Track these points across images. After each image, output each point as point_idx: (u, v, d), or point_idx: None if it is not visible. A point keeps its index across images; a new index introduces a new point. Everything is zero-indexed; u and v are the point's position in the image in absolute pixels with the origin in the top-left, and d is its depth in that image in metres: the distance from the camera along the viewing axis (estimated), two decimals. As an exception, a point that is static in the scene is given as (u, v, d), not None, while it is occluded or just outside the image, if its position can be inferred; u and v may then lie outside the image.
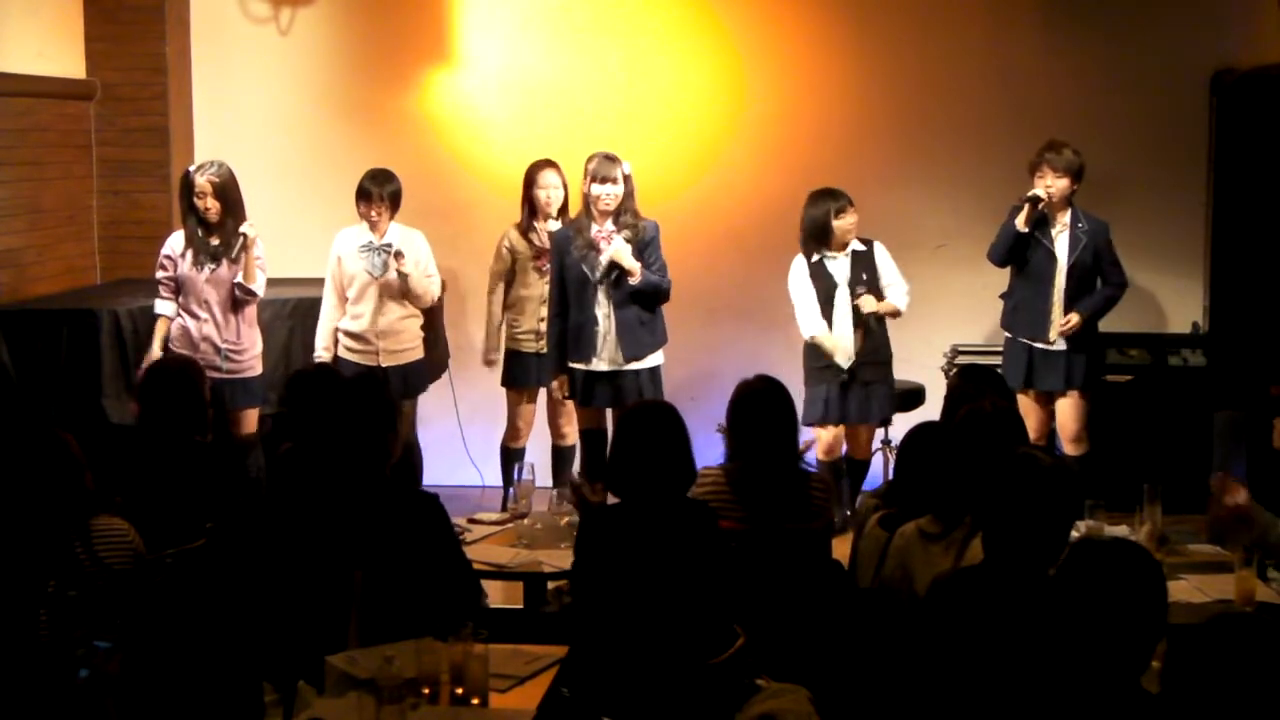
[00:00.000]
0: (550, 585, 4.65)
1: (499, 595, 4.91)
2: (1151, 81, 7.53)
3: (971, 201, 7.55)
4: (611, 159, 6.33)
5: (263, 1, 7.88)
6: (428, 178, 7.42)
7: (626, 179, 6.33)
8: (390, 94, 7.88)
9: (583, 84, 7.78)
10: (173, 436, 4.78)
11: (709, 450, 5.00)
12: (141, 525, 4.06)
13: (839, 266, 6.48)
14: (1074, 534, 3.64)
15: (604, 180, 6.29)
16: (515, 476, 5.38)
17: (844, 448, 6.70)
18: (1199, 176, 7.56)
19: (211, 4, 7.87)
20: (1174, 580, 3.91)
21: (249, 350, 6.48)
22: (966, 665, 3.26)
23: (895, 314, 6.56)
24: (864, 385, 6.50)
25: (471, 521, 5.20)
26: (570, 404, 6.70)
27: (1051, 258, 6.39)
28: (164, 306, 6.45)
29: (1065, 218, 6.41)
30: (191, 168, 6.57)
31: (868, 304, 6.46)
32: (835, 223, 6.44)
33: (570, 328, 6.39)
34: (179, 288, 6.44)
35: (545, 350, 6.72)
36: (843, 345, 6.45)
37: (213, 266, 6.40)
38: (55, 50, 7.42)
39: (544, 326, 6.71)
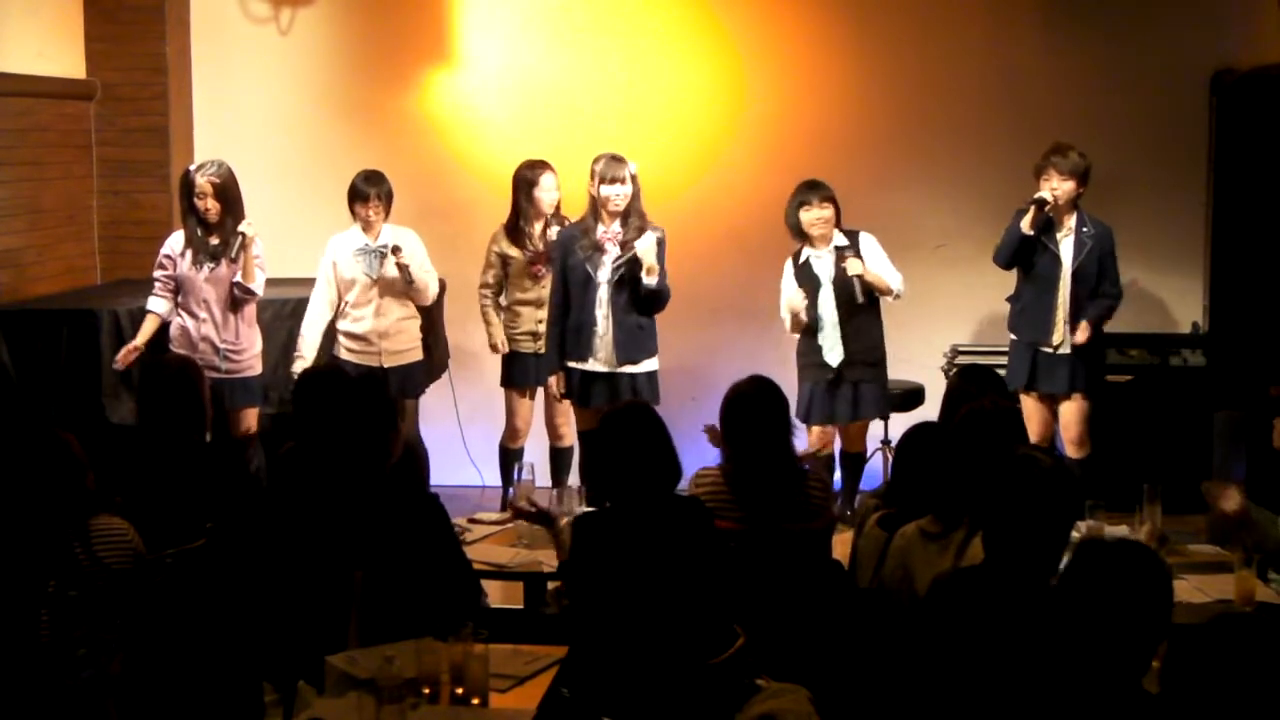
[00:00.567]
0: (550, 585, 4.64)
1: (499, 595, 4.90)
2: (1151, 81, 7.54)
3: (971, 202, 7.55)
4: (619, 160, 6.33)
5: (263, 1, 7.88)
6: (427, 178, 7.43)
7: (633, 179, 6.33)
8: (390, 94, 7.88)
9: (583, 84, 7.78)
10: (172, 436, 4.78)
11: (709, 451, 4.99)
12: (141, 525, 4.06)
13: (823, 265, 6.47)
14: (1074, 534, 3.63)
15: (613, 181, 6.29)
16: (515, 476, 5.37)
17: (835, 445, 6.68)
18: (1199, 176, 7.56)
19: (211, 4, 7.87)
20: (1174, 580, 3.90)
21: (248, 350, 6.49)
22: (967, 665, 3.26)
23: (887, 291, 6.46)
24: (853, 385, 6.49)
25: (471, 521, 5.20)
26: (567, 404, 6.71)
27: (1056, 261, 6.38)
28: (156, 304, 6.44)
29: (1071, 221, 6.40)
30: (191, 167, 6.57)
31: (854, 266, 6.39)
32: (802, 215, 6.44)
33: (570, 327, 6.39)
34: (178, 287, 6.44)
35: (543, 350, 6.72)
36: (829, 344, 6.44)
37: (212, 266, 6.40)
38: (55, 50, 7.42)
39: (541, 328, 6.72)
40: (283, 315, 6.95)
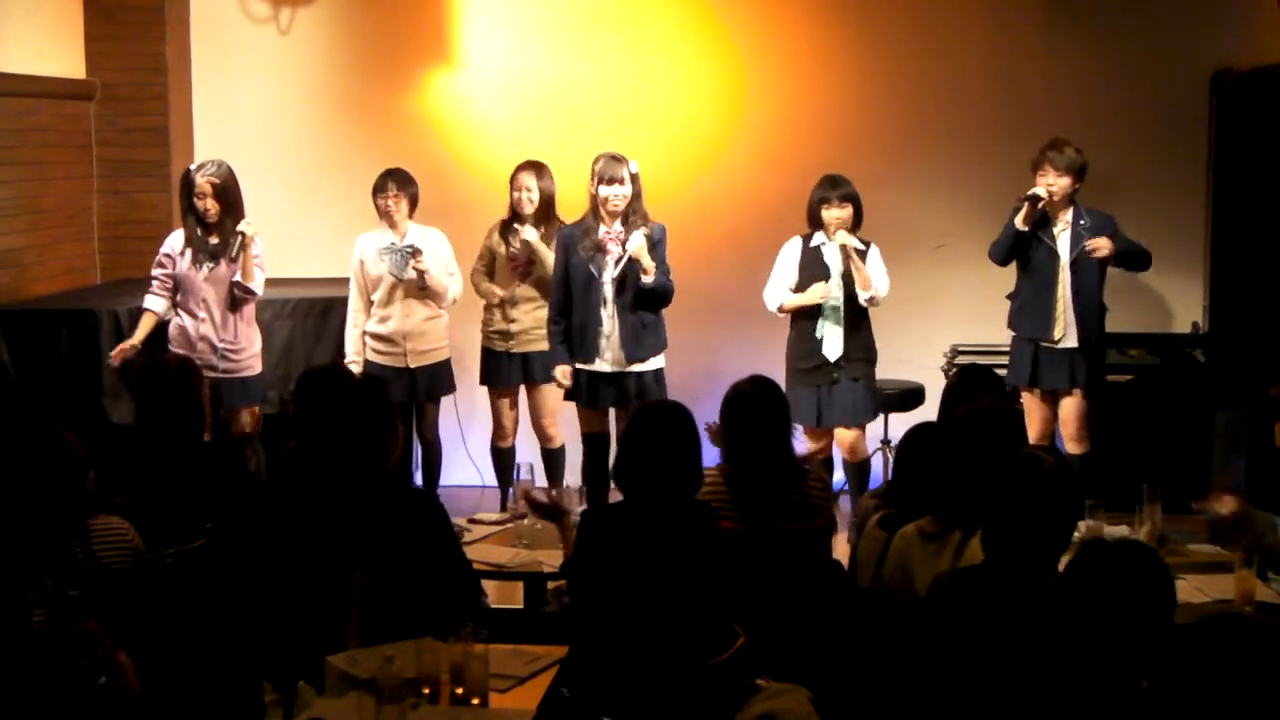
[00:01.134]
0: (550, 585, 4.64)
1: (499, 595, 4.90)
2: (1151, 81, 7.54)
3: (971, 201, 7.55)
4: (618, 159, 6.32)
5: (263, 1, 7.88)
6: (428, 178, 7.39)
7: (634, 179, 6.32)
8: (390, 94, 7.88)
9: (583, 84, 7.78)
10: (172, 436, 4.78)
11: (710, 451, 4.99)
12: (141, 525, 4.06)
13: (834, 254, 6.42)
14: (1074, 535, 3.63)
15: (611, 181, 6.28)
16: (515, 476, 5.38)
17: (832, 449, 6.65)
18: (1199, 176, 7.57)
19: (211, 4, 7.87)
20: (1174, 580, 3.91)
21: (247, 350, 6.49)
22: (967, 666, 3.26)
23: (865, 286, 6.33)
24: (851, 382, 6.42)
25: (471, 521, 5.20)
26: (554, 406, 6.72)
27: (1054, 256, 6.38)
28: (153, 302, 6.44)
29: (1067, 216, 6.41)
30: (191, 167, 6.57)
31: (844, 237, 6.33)
32: (823, 212, 6.42)
33: (574, 328, 6.38)
34: (177, 286, 6.44)
35: (515, 350, 6.79)
36: (830, 337, 6.41)
37: (211, 265, 6.40)
38: (55, 50, 7.42)
39: (512, 328, 6.75)
40: (283, 315, 6.95)
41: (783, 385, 4.66)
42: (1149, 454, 6.77)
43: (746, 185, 7.72)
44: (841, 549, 4.74)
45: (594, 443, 6.53)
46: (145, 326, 6.43)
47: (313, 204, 7.79)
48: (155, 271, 6.48)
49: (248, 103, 7.91)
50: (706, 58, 7.78)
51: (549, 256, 6.57)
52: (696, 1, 7.77)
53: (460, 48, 7.87)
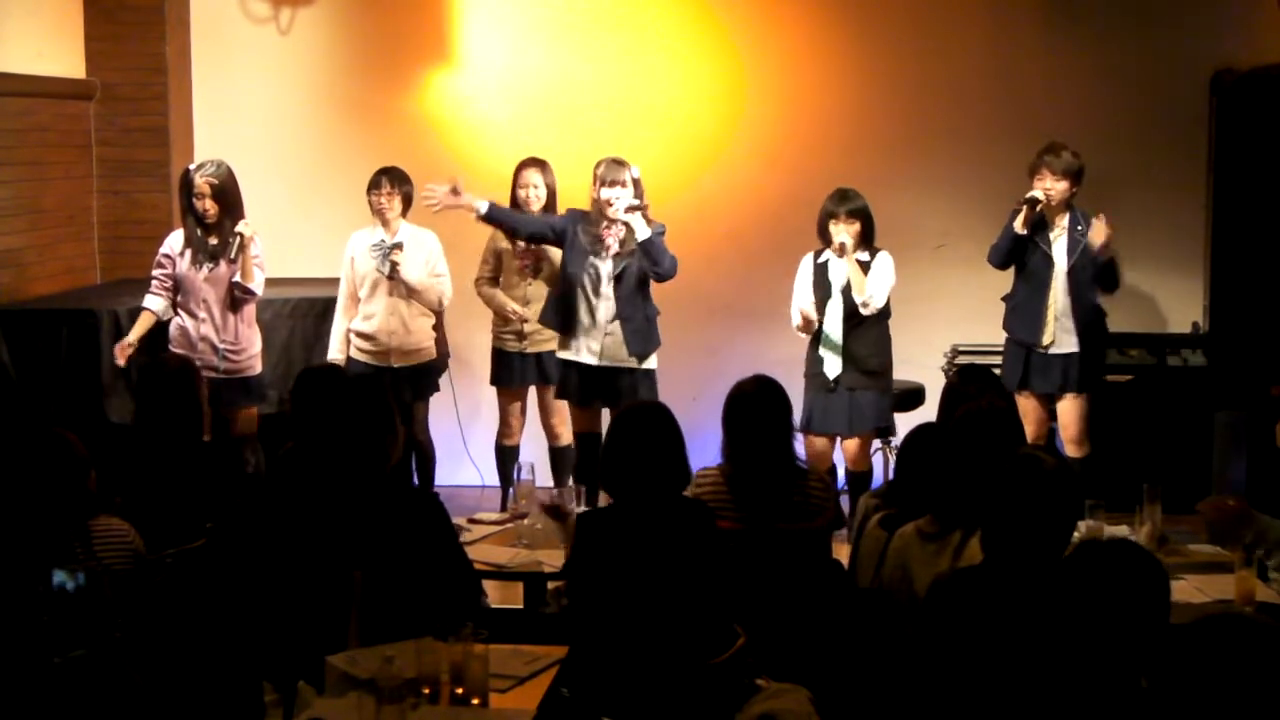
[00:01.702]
0: (550, 585, 4.64)
1: (499, 595, 4.90)
2: (1151, 81, 7.54)
3: (971, 202, 7.55)
4: (619, 163, 6.30)
5: (263, 1, 7.88)
6: (427, 178, 7.36)
7: (636, 183, 6.31)
8: (390, 94, 7.88)
9: (583, 84, 7.78)
10: (171, 436, 4.78)
11: (709, 451, 4.99)
12: (141, 525, 4.06)
13: (838, 273, 6.40)
14: (1074, 535, 3.63)
15: (612, 184, 6.26)
16: (515, 476, 5.38)
17: (835, 455, 6.62)
18: (1199, 176, 7.56)
19: (211, 4, 7.87)
20: (1174, 580, 3.90)
21: (247, 350, 6.48)
22: (967, 666, 3.26)
23: (859, 290, 6.24)
24: (850, 392, 6.35)
25: (471, 521, 5.20)
26: (563, 404, 6.71)
27: (1049, 262, 6.37)
28: (152, 302, 6.44)
29: (1064, 221, 6.39)
30: (191, 167, 6.57)
31: (841, 234, 6.27)
32: (830, 226, 6.38)
33: (571, 320, 6.34)
34: (177, 287, 6.44)
35: (528, 350, 6.80)
36: (829, 355, 6.38)
37: (211, 266, 6.40)
38: (55, 50, 7.42)
39: (526, 327, 6.76)
40: (283, 315, 6.95)
41: (784, 385, 4.63)
42: (1149, 454, 6.76)
43: (746, 185, 7.72)
44: (841, 549, 4.74)
45: (586, 444, 6.52)
46: (142, 325, 6.42)
47: (312, 204, 7.79)
48: (155, 272, 6.48)
49: (248, 103, 7.90)
50: (706, 58, 7.78)
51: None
52: (697, 1, 7.77)
53: (460, 48, 7.87)
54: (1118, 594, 2.81)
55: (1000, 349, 6.72)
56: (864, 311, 6.31)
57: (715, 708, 3.15)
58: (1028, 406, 6.44)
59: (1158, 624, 2.82)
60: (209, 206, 6.37)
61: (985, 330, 7.35)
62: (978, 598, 3.37)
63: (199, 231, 6.42)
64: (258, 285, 6.42)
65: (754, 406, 4.46)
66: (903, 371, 7.03)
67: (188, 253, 6.41)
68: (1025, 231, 6.31)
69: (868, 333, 6.37)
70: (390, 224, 6.70)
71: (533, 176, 6.73)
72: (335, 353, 6.74)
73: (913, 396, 7.15)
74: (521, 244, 6.77)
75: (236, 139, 7.68)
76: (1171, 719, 2.54)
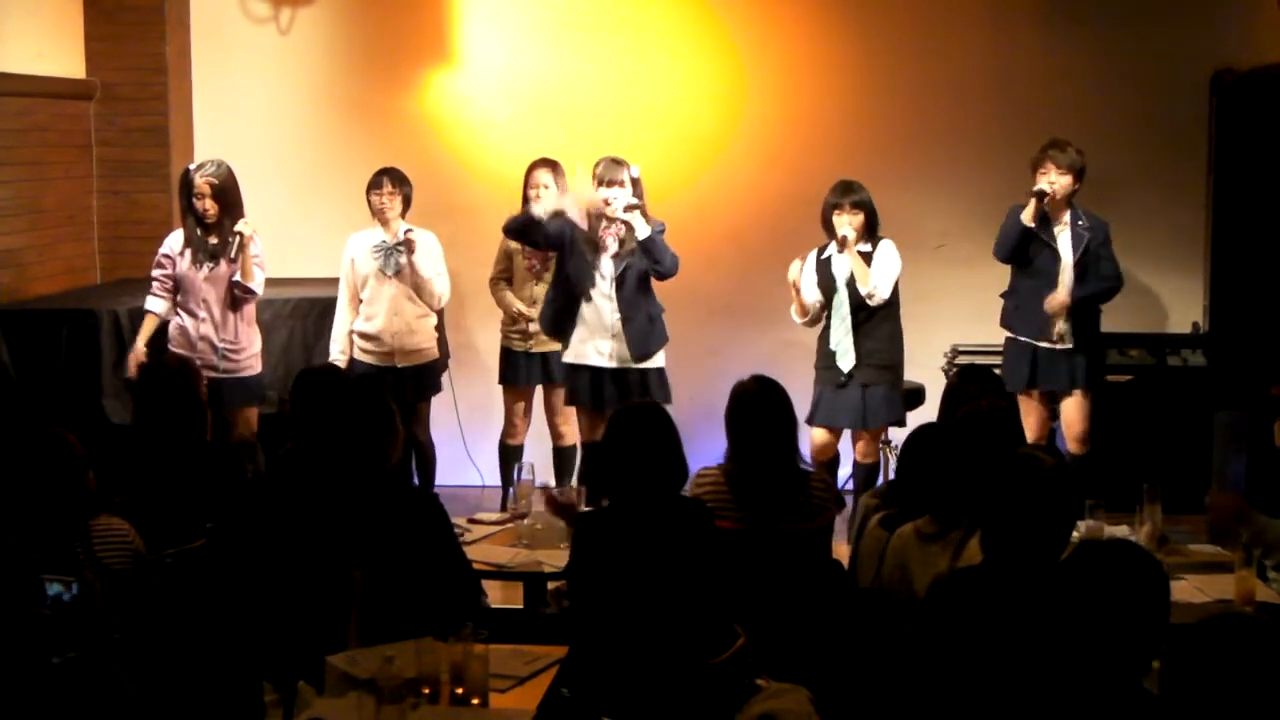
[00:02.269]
0: (550, 585, 4.65)
1: (499, 595, 4.91)
2: (1151, 81, 7.54)
3: (971, 202, 7.55)
4: (618, 162, 6.30)
5: (263, 1, 7.88)
6: (428, 178, 7.40)
7: (635, 182, 6.30)
8: (390, 94, 7.88)
9: (583, 84, 7.78)
10: (171, 437, 4.78)
11: (709, 450, 5.00)
12: (141, 525, 4.06)
13: (842, 267, 6.42)
14: (1074, 535, 3.63)
15: (610, 184, 6.26)
16: (515, 476, 5.39)
17: (837, 449, 6.64)
18: (1199, 176, 7.56)
19: (211, 4, 7.87)
20: (1174, 580, 3.91)
21: (247, 349, 6.48)
22: (967, 666, 3.26)
23: (864, 281, 6.27)
24: (863, 388, 6.39)
25: (471, 521, 5.20)
26: (566, 405, 6.71)
27: (1055, 257, 6.38)
28: (155, 304, 6.44)
29: (1066, 216, 6.41)
30: (191, 166, 6.57)
31: (843, 226, 6.29)
32: (834, 218, 6.40)
33: (575, 322, 6.34)
34: (177, 286, 6.44)
35: (534, 350, 6.81)
36: (841, 348, 6.39)
37: (211, 265, 6.39)
38: (55, 50, 7.42)
39: (532, 327, 6.77)
40: (283, 315, 6.96)
41: (783, 384, 4.63)
42: (1149, 454, 6.76)
43: (746, 185, 7.72)
44: (841, 549, 4.74)
45: (593, 450, 6.50)
46: (148, 328, 6.43)
47: (312, 204, 7.79)
48: (155, 272, 6.48)
49: (248, 103, 7.90)
50: (707, 58, 7.78)
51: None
52: (697, 2, 7.77)
53: (460, 48, 7.87)
54: (1117, 595, 2.80)
55: (1001, 349, 6.71)
56: (870, 303, 6.33)
57: (715, 708, 3.15)
58: (1030, 407, 6.44)
59: (1158, 625, 2.82)
60: (209, 206, 6.38)
61: (985, 330, 7.35)
62: (977, 598, 3.37)
63: (199, 231, 6.41)
64: (258, 285, 6.42)
65: (756, 407, 4.46)
66: (903, 371, 7.03)
67: (187, 252, 6.41)
68: (1034, 224, 6.32)
69: (879, 328, 6.38)
70: (390, 224, 6.70)
71: (543, 177, 6.73)
72: (336, 354, 6.75)
73: (913, 396, 7.14)
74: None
75: (236, 139, 7.68)
76: (1180, 719, 2.54)
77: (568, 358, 6.42)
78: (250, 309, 6.50)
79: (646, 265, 6.27)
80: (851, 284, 6.34)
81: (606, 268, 6.30)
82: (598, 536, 4.03)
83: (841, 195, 6.36)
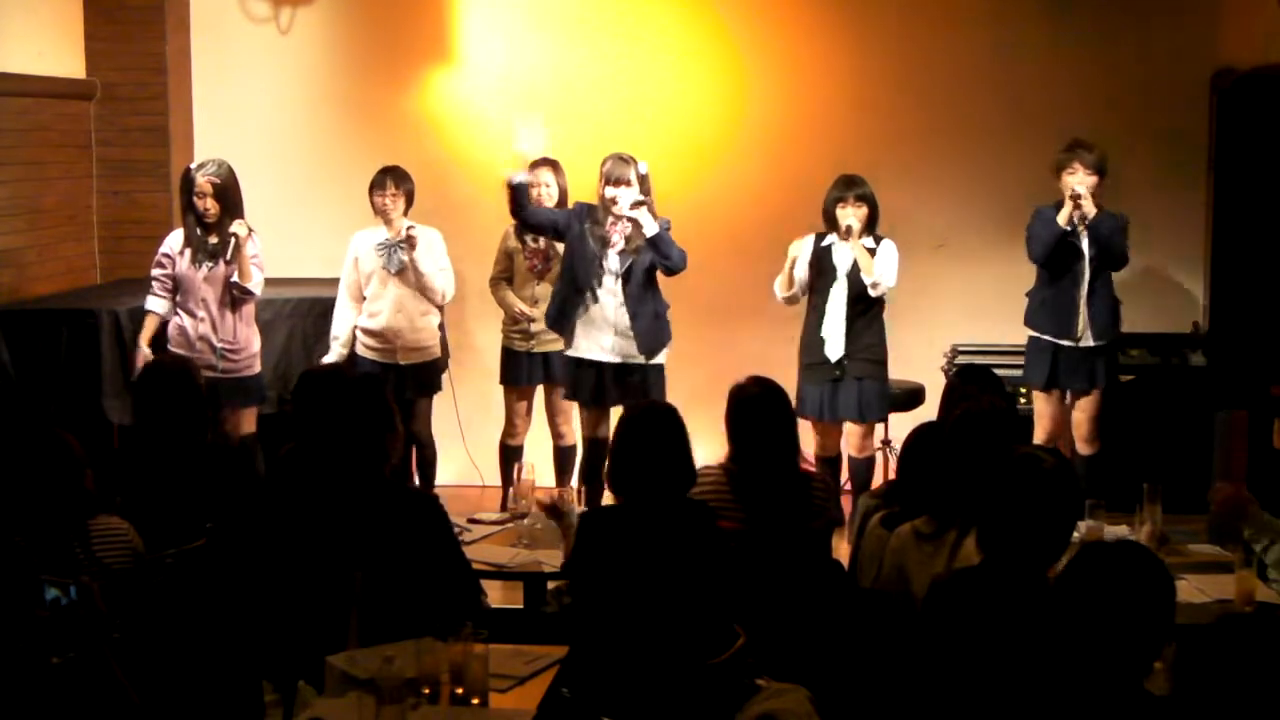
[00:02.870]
0: (550, 585, 4.64)
1: (499, 595, 4.90)
2: (1151, 81, 7.53)
3: (971, 201, 7.55)
4: (625, 160, 6.30)
5: (263, 1, 7.88)
6: (427, 177, 7.40)
7: (643, 179, 6.31)
8: (390, 94, 7.88)
9: (583, 84, 7.78)
10: (171, 437, 4.78)
11: (709, 449, 4.99)
12: (141, 525, 4.05)
13: (843, 256, 6.43)
14: (1074, 535, 3.63)
15: (617, 182, 6.27)
16: (515, 476, 5.39)
17: (840, 445, 6.66)
18: (1199, 176, 7.56)
19: (211, 4, 7.87)
20: (1174, 580, 3.92)
21: (246, 349, 6.48)
22: (967, 666, 3.26)
23: (869, 271, 6.33)
24: (855, 380, 6.43)
25: (471, 521, 5.20)
26: (569, 405, 6.71)
27: (1078, 254, 6.38)
28: (155, 304, 6.45)
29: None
30: (192, 166, 6.57)
31: (847, 217, 6.33)
32: (837, 211, 6.42)
33: (583, 318, 6.35)
34: (176, 286, 6.44)
35: (535, 349, 6.82)
36: (833, 338, 6.41)
37: (210, 265, 6.39)
38: (55, 50, 7.42)
39: (534, 327, 6.77)
40: (283, 315, 6.96)
41: (785, 384, 4.64)
42: (1149, 454, 6.76)
43: (747, 185, 7.72)
44: (842, 549, 4.74)
45: (593, 447, 6.52)
46: (149, 329, 6.44)
47: (312, 204, 7.79)
48: (155, 272, 6.48)
49: (248, 103, 7.90)
50: (707, 57, 7.78)
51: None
52: (697, 1, 7.77)
53: (460, 48, 7.87)
54: (1123, 597, 2.80)
55: (1001, 348, 6.72)
56: (873, 293, 6.37)
57: (715, 708, 3.15)
58: (1045, 407, 6.45)
59: (1162, 627, 2.82)
60: (210, 205, 6.38)
61: (985, 330, 7.36)
62: (978, 598, 3.37)
63: (198, 231, 6.42)
64: (256, 285, 6.42)
65: (757, 408, 4.46)
66: (903, 371, 7.04)
67: (187, 252, 6.41)
68: (1070, 228, 6.32)
69: (871, 322, 6.44)
70: (393, 223, 6.70)
71: (544, 175, 6.75)
72: (337, 349, 6.76)
73: (913, 396, 7.15)
74: (530, 244, 6.80)
75: (236, 139, 7.67)
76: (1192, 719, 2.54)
77: (570, 352, 6.43)
78: (249, 309, 6.51)
79: (654, 261, 6.28)
80: (852, 274, 6.37)
81: (613, 263, 6.30)
82: (601, 535, 4.03)
83: (845, 189, 6.40)
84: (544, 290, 6.78)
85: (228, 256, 6.37)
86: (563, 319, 6.40)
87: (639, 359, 6.34)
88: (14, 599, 3.31)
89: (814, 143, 7.63)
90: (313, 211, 7.76)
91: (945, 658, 3.33)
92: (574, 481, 6.69)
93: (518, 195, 6.32)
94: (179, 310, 6.44)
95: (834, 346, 6.40)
